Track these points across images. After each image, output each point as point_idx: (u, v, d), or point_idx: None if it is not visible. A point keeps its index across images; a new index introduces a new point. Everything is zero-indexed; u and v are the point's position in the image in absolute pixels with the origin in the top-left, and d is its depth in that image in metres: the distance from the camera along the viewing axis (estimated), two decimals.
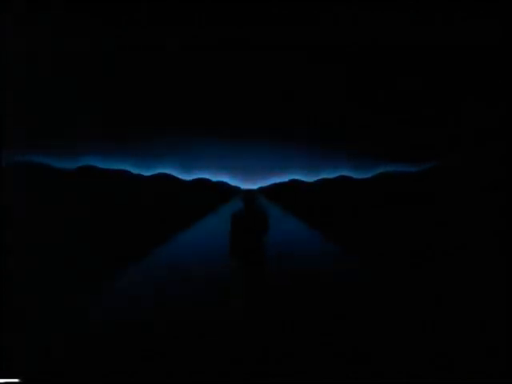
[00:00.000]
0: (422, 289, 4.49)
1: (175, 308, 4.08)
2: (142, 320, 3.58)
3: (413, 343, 3.05)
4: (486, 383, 2.59)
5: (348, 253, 7.51)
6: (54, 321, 3.57)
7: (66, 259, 6.14)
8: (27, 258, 4.30)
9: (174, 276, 5.69)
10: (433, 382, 2.60)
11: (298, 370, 2.73)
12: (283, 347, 3.03)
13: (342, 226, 11.90)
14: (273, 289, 4.91)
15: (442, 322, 3.48)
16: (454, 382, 2.58)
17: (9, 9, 3.52)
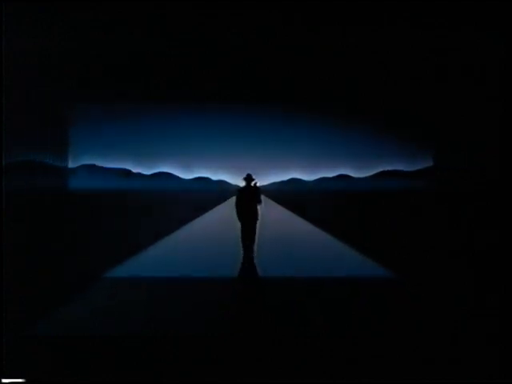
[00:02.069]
0: (421, 288, 4.50)
1: (177, 303, 4.10)
2: (142, 319, 3.59)
3: (412, 343, 3.06)
4: (486, 383, 2.60)
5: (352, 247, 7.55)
6: (55, 321, 3.58)
7: (65, 258, 6.13)
8: (27, 257, 4.29)
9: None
10: (433, 382, 2.61)
11: (298, 369, 2.74)
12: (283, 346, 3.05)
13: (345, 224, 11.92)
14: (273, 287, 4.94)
15: (442, 322, 3.48)
16: (453, 382, 2.59)
17: (9, 8, 3.52)
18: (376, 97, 3.84)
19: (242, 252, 6.62)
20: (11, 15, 3.50)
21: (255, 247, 6.70)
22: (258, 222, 6.63)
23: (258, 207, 6.51)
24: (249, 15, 3.59)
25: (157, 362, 2.82)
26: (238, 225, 6.62)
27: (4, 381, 2.71)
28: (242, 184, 6.56)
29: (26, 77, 3.60)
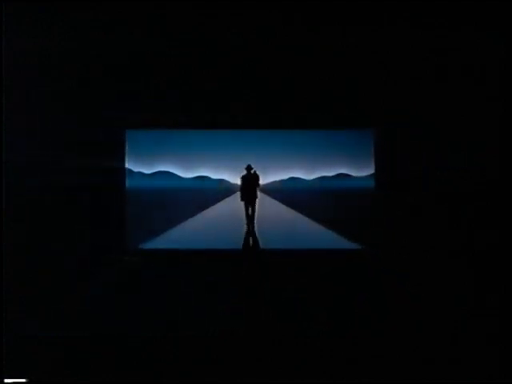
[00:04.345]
0: (421, 288, 4.50)
1: (177, 301, 4.10)
2: (142, 318, 3.59)
3: (412, 343, 3.06)
4: (486, 383, 2.60)
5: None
6: (57, 320, 3.58)
7: (65, 258, 6.12)
8: (27, 256, 4.29)
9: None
10: (433, 382, 2.61)
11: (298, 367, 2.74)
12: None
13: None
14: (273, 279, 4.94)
15: (442, 322, 3.49)
16: (453, 382, 2.59)
17: (9, 8, 3.51)
18: (376, 97, 3.85)
19: (245, 223, 8.46)
20: (11, 15, 3.49)
21: (255, 220, 8.53)
22: (257, 200, 8.43)
23: (257, 189, 8.30)
24: (249, 15, 3.59)
25: (157, 361, 2.82)
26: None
27: (6, 381, 2.72)
28: (245, 172, 8.30)
29: (25, 77, 3.59)
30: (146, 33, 3.65)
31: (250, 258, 5.50)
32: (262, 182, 8.97)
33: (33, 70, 3.58)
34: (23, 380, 2.66)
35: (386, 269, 5.66)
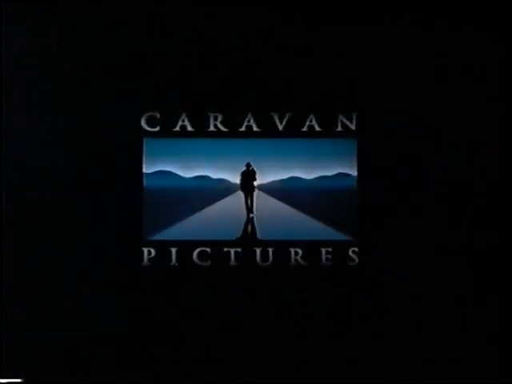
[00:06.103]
0: (421, 288, 4.49)
1: (177, 299, 4.10)
2: (142, 317, 3.59)
3: (412, 343, 3.06)
4: (486, 383, 2.60)
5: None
6: (55, 320, 3.57)
7: (65, 257, 6.09)
8: (27, 256, 4.27)
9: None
10: (433, 382, 2.61)
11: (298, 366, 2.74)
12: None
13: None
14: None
15: (442, 322, 3.49)
16: (453, 382, 2.59)
17: (9, 8, 3.52)
18: (376, 97, 3.84)
19: (245, 212, 8.42)
20: (11, 15, 3.49)
21: (254, 210, 8.47)
22: (255, 193, 9.08)
23: (255, 183, 9.19)
24: (249, 15, 3.58)
25: (157, 361, 2.82)
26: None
27: (2, 381, 2.71)
28: (244, 169, 9.00)
29: (25, 77, 3.59)
30: (146, 33, 3.65)
31: (249, 244, 5.45)
32: (262, 181, 9.27)
33: (33, 69, 3.58)
34: (19, 380, 2.66)
35: (386, 269, 5.65)
